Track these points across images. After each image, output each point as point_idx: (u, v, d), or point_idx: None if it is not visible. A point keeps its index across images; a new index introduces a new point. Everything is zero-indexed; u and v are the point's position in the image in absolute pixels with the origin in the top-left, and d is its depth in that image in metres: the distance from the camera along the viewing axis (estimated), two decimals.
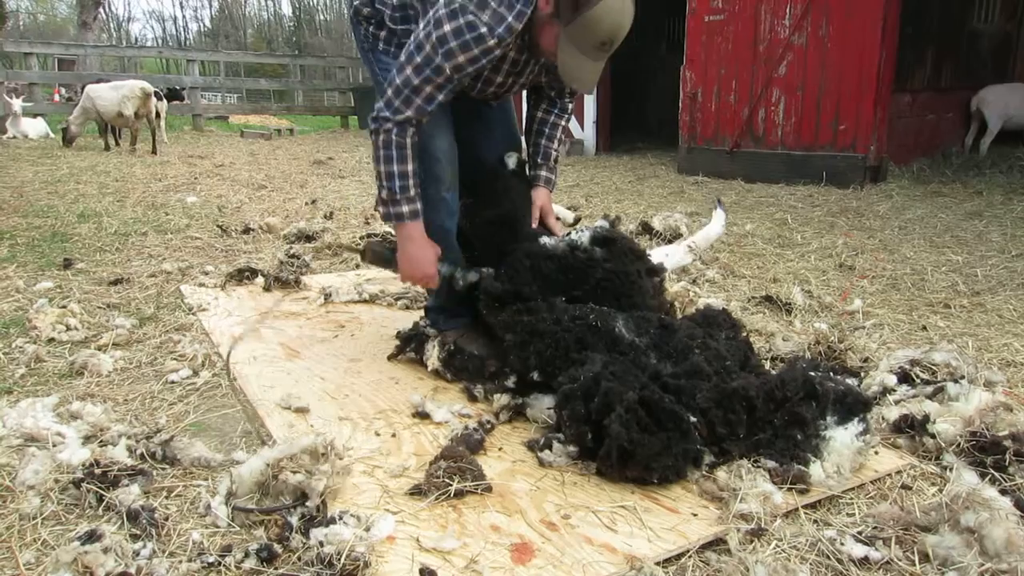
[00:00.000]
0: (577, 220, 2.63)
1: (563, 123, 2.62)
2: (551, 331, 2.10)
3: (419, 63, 2.08)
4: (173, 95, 13.82)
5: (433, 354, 2.45)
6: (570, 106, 2.63)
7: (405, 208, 2.23)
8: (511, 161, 2.55)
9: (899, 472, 1.86)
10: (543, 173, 2.59)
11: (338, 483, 1.70)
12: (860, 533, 1.58)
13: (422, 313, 2.75)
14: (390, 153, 2.17)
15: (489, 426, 2.07)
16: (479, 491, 1.73)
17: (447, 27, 2.02)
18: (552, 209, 2.60)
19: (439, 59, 2.06)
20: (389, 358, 2.60)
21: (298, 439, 1.78)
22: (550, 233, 2.48)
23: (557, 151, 2.61)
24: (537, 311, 2.17)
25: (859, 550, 1.51)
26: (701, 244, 2.82)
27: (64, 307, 3.01)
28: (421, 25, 2.11)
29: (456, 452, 1.81)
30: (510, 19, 2.02)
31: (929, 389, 2.23)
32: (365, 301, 3.35)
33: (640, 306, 2.27)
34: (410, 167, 2.20)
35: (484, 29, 2.01)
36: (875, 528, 1.58)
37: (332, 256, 4.28)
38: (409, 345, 2.57)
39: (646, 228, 4.63)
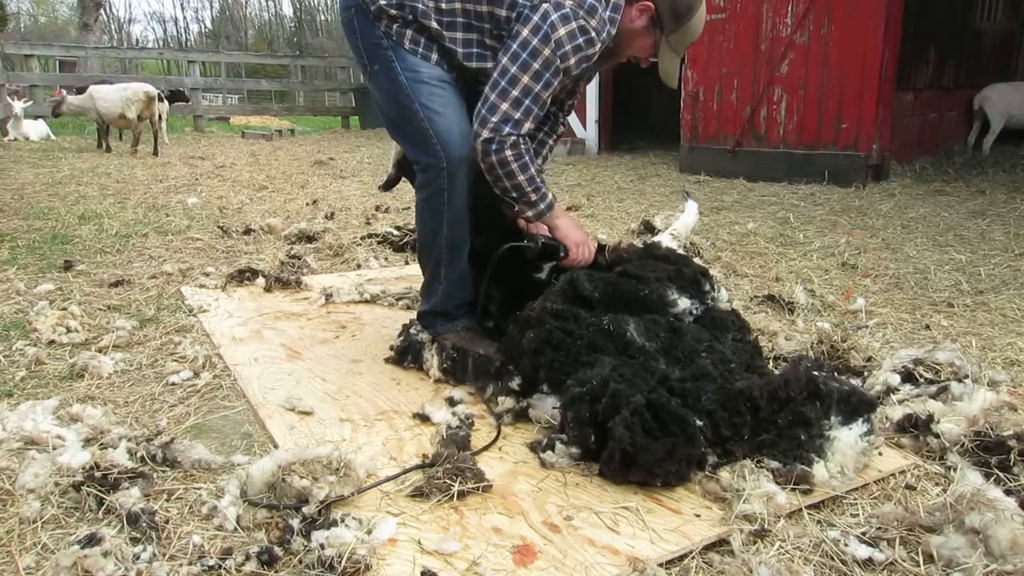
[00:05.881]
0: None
1: (551, 142, 2.66)
2: (564, 343, 2.07)
3: (537, 69, 2.11)
4: (176, 96, 13.80)
5: (433, 363, 2.43)
6: (561, 129, 2.68)
7: (549, 197, 2.32)
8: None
9: (903, 472, 1.85)
10: None
11: (340, 494, 1.67)
12: (864, 534, 1.57)
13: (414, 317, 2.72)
14: (525, 162, 2.21)
15: (470, 421, 2.06)
16: (480, 490, 1.73)
17: (562, 31, 2.09)
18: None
19: (558, 62, 2.11)
20: (386, 361, 2.59)
21: (315, 447, 1.77)
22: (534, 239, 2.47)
23: (540, 167, 2.58)
24: (564, 317, 2.13)
25: (863, 551, 1.51)
26: (682, 232, 2.86)
27: (64, 309, 3.01)
28: (525, 31, 2.11)
29: (450, 453, 1.80)
30: (609, 26, 2.18)
31: (933, 389, 2.22)
32: (366, 301, 3.35)
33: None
34: (535, 166, 2.28)
35: (593, 33, 2.12)
36: (879, 529, 1.57)
37: (333, 256, 4.28)
38: (406, 357, 2.54)
39: (648, 227, 4.63)
